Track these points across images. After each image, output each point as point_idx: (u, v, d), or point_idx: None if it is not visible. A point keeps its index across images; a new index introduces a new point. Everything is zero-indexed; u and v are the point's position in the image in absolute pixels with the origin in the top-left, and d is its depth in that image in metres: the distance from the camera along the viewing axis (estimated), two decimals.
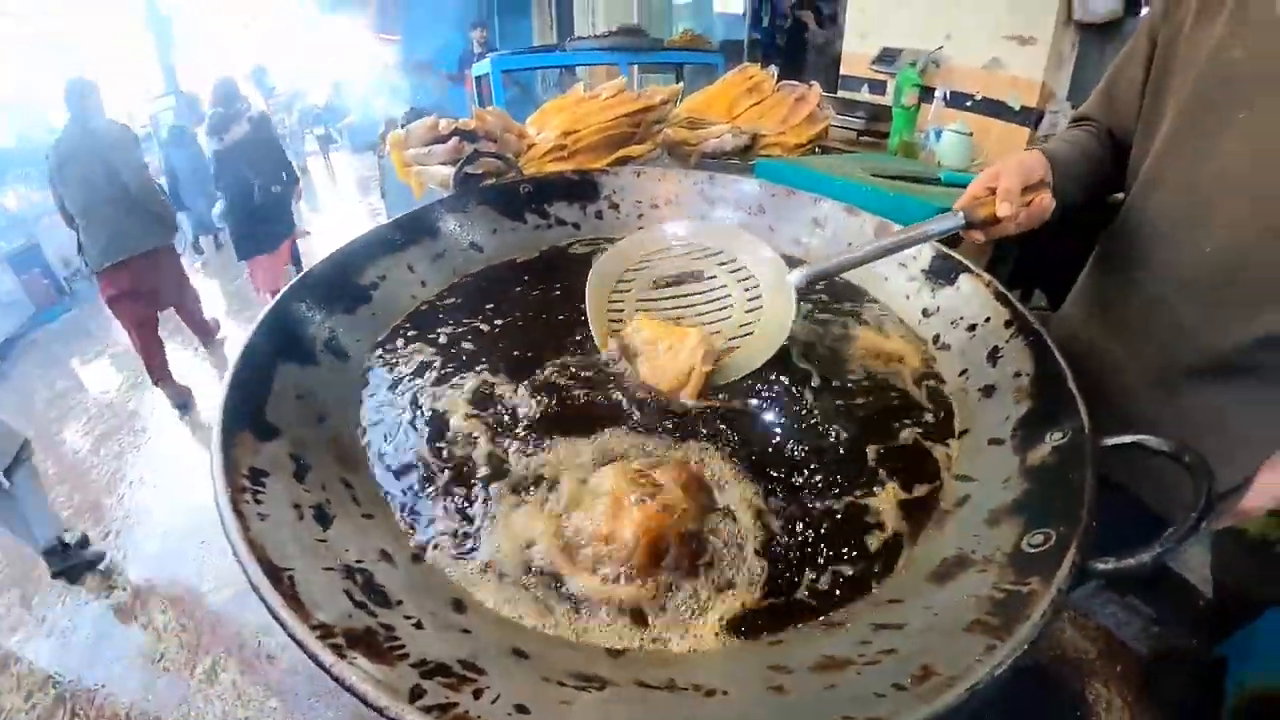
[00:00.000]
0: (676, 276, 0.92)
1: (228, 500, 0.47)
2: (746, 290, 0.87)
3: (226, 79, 4.07)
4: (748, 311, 0.84)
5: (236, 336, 4.54)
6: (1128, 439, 0.55)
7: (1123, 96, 0.95)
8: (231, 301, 5.44)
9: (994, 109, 2.60)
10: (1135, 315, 0.91)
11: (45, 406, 4.17)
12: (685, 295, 0.89)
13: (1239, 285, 0.79)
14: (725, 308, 0.86)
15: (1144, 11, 2.26)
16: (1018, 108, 2.54)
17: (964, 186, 1.28)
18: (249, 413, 0.58)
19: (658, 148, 1.53)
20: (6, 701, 2.08)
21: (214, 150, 3.98)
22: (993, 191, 0.79)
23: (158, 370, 3.63)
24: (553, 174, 1.21)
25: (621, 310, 0.87)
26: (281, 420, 0.60)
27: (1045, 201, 0.79)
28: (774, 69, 1.99)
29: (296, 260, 4.64)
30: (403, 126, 4.60)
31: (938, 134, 2.02)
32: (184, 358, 4.21)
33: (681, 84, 1.80)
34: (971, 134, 1.95)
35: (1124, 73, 0.94)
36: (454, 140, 1.40)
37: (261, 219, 4.09)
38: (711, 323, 0.84)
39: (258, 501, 0.49)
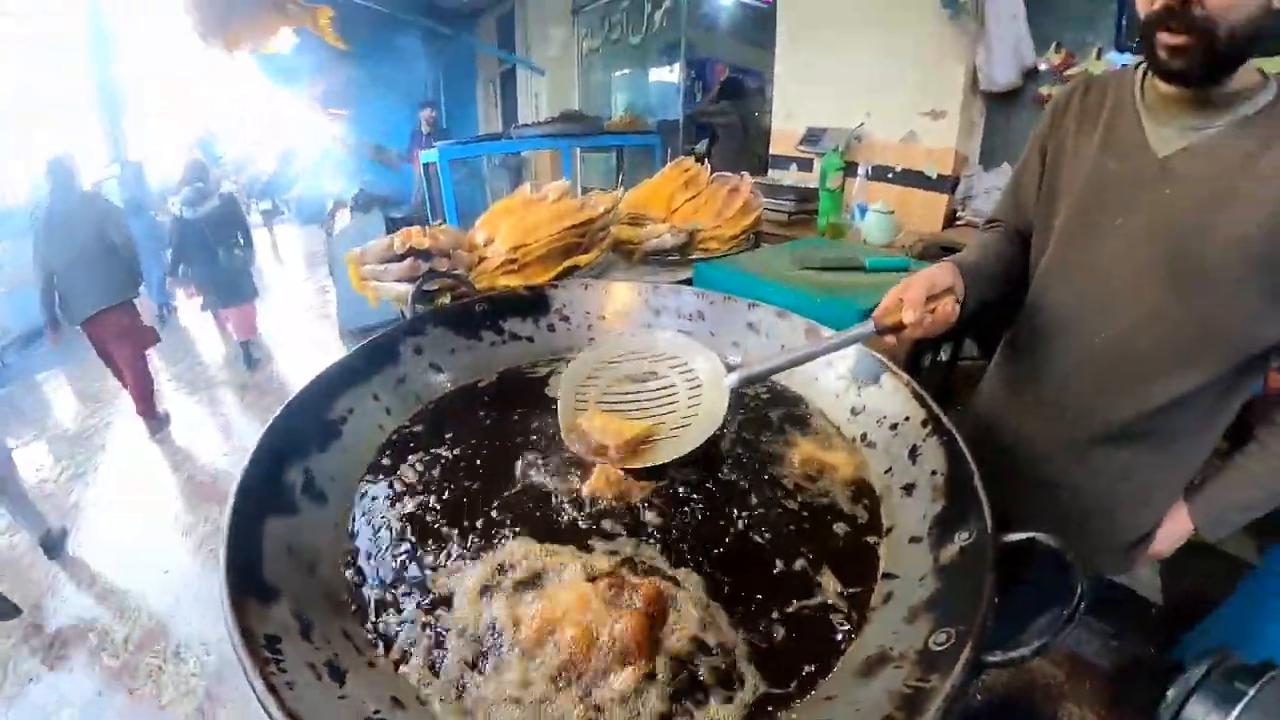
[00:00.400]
0: (633, 377, 1.00)
1: (259, 676, 0.49)
2: (690, 389, 0.95)
3: (198, 160, 4.80)
4: (690, 406, 0.93)
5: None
6: (1025, 535, 0.63)
7: (1024, 200, 1.10)
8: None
9: (913, 179, 2.81)
10: (1044, 393, 1.04)
11: None
12: (639, 392, 0.97)
13: (1126, 367, 0.94)
14: (672, 401, 0.95)
15: (1041, 76, 2.54)
16: (935, 176, 2.74)
17: (887, 270, 1.43)
18: (249, 578, 0.60)
19: (604, 254, 1.62)
20: None
21: (186, 219, 4.68)
22: (902, 301, 0.88)
23: (147, 403, 4.10)
24: (505, 291, 1.28)
25: (585, 408, 0.94)
26: (279, 579, 0.62)
27: (947, 309, 0.90)
28: (708, 163, 2.13)
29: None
30: (353, 209, 4.64)
31: (862, 211, 2.19)
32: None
33: (621, 189, 1.90)
34: (893, 212, 2.11)
35: (1022, 179, 1.10)
36: (410, 260, 1.46)
37: (226, 279, 4.90)
38: (659, 415, 0.93)
39: (281, 670, 0.51)
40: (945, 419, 0.79)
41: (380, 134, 7.79)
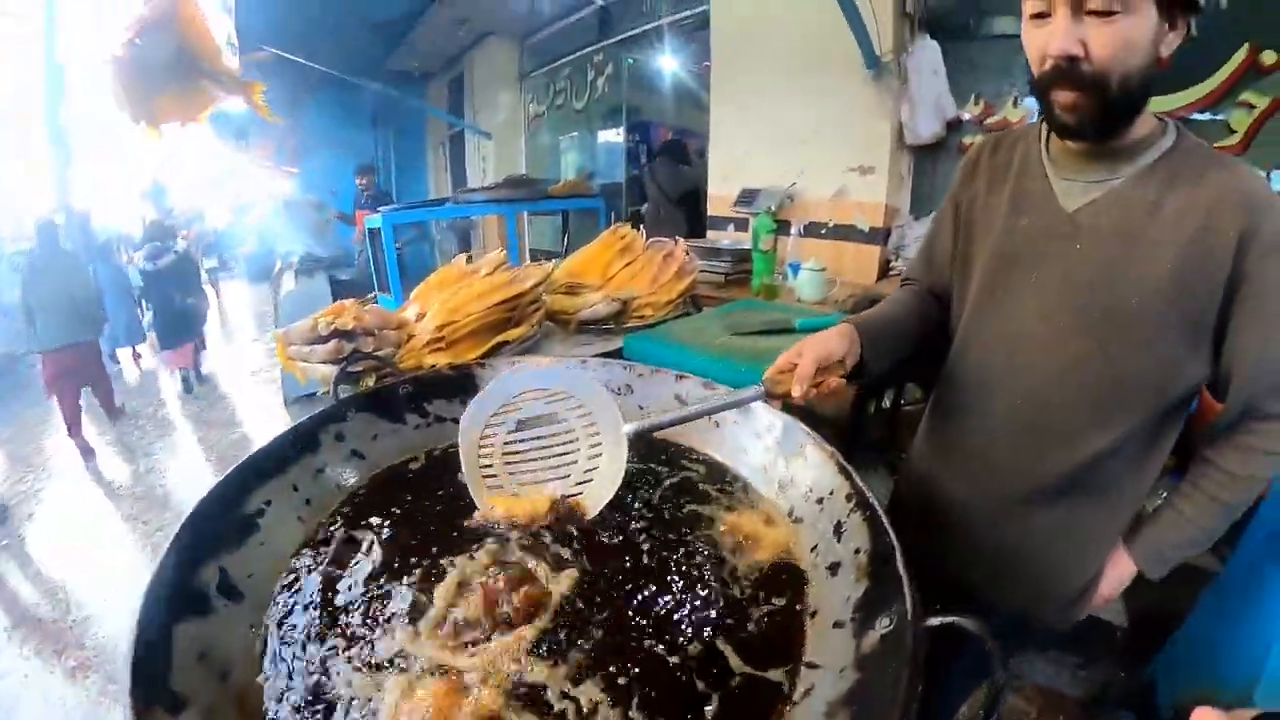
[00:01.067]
0: (536, 418, 0.98)
1: None
2: (590, 438, 0.96)
3: (158, 221, 6.05)
4: (590, 459, 0.94)
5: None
6: (948, 619, 0.60)
7: (938, 260, 1.13)
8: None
9: (846, 234, 2.91)
10: (972, 455, 1.06)
11: None
12: (541, 439, 0.97)
13: (1051, 424, 0.96)
14: (573, 454, 0.95)
15: (964, 127, 2.67)
16: (867, 229, 2.84)
17: (817, 329, 1.44)
18: (157, 688, 0.57)
19: (533, 329, 1.60)
20: None
21: (146, 270, 6.03)
22: (794, 368, 0.91)
23: (76, 427, 4.91)
24: (430, 372, 1.24)
25: (490, 465, 0.94)
26: (188, 687, 0.59)
27: (833, 384, 0.93)
28: (642, 229, 2.16)
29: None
30: (298, 271, 4.61)
31: (795, 270, 2.23)
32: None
33: (554, 263, 1.91)
34: (825, 269, 2.16)
35: (937, 238, 1.13)
36: (334, 341, 1.42)
37: (177, 322, 6.11)
38: (563, 468, 0.93)
39: None
40: (869, 493, 0.77)
41: (327, 194, 7.77)
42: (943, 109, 2.62)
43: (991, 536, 1.05)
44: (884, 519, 0.72)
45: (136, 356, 7.23)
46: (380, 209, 3.83)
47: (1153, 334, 0.86)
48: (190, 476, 4.43)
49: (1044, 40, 0.81)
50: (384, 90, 7.25)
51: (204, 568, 0.73)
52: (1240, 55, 2.04)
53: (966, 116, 2.66)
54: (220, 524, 0.80)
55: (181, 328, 6.10)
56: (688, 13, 4.50)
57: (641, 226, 2.22)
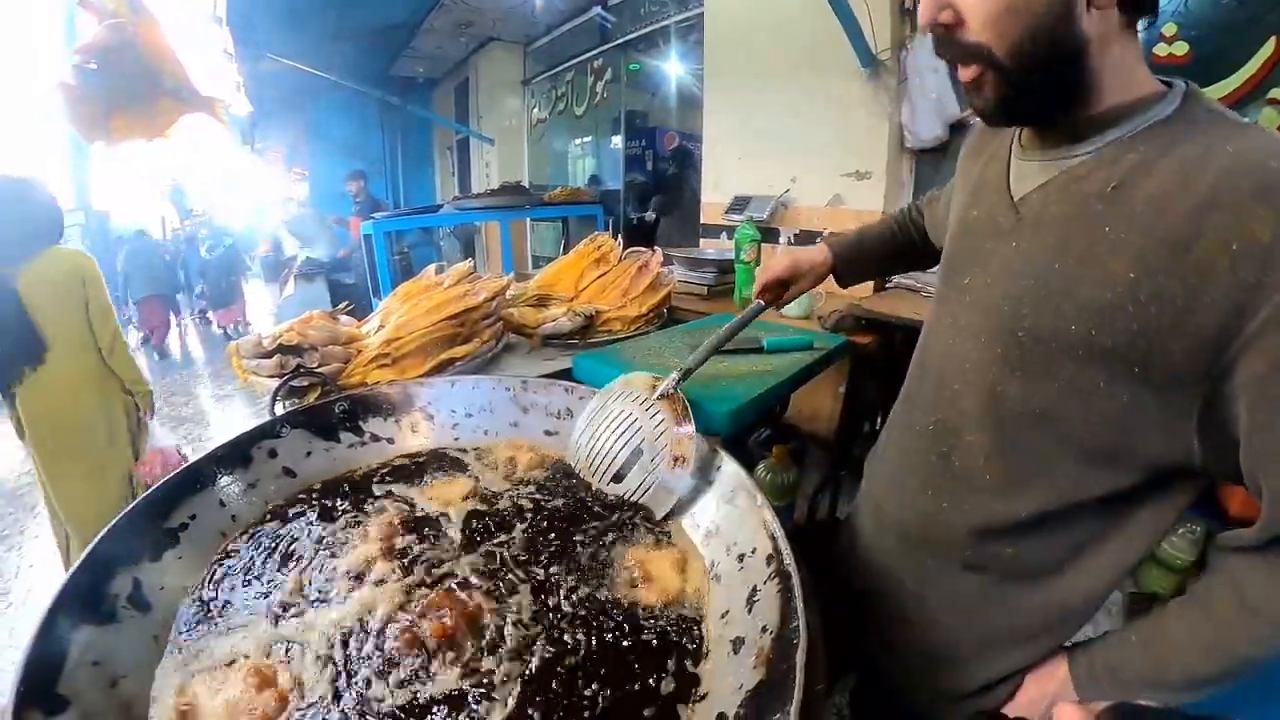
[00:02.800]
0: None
1: None
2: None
3: (206, 218, 8.02)
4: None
5: None
6: None
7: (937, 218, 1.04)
8: None
9: None
10: (879, 497, 0.91)
11: None
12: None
13: (958, 470, 0.76)
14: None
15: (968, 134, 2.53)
16: None
17: (786, 351, 1.35)
18: (41, 688, 0.57)
19: (487, 345, 1.53)
20: None
21: (206, 259, 9.24)
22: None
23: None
24: (367, 390, 1.18)
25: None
26: (74, 692, 0.59)
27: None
28: (620, 240, 2.08)
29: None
30: (298, 275, 4.68)
31: None
32: None
33: (510, 275, 1.84)
34: None
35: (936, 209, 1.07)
36: (276, 357, 1.37)
37: (228, 292, 9.02)
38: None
39: None
40: (788, 560, 0.66)
41: (335, 200, 7.84)
42: (944, 109, 2.47)
43: (899, 591, 0.85)
44: (797, 596, 0.61)
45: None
46: (374, 215, 3.81)
47: (1097, 379, 0.62)
48: None
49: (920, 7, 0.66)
50: (385, 97, 7.28)
51: (117, 577, 0.73)
52: (1268, 49, 1.85)
53: (972, 119, 2.52)
54: (142, 535, 0.80)
55: (230, 295, 8.99)
56: (683, 15, 4.44)
57: (620, 236, 2.14)
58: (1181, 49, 1.96)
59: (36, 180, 2.46)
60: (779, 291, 1.21)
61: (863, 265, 1.24)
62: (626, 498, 0.91)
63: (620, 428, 0.96)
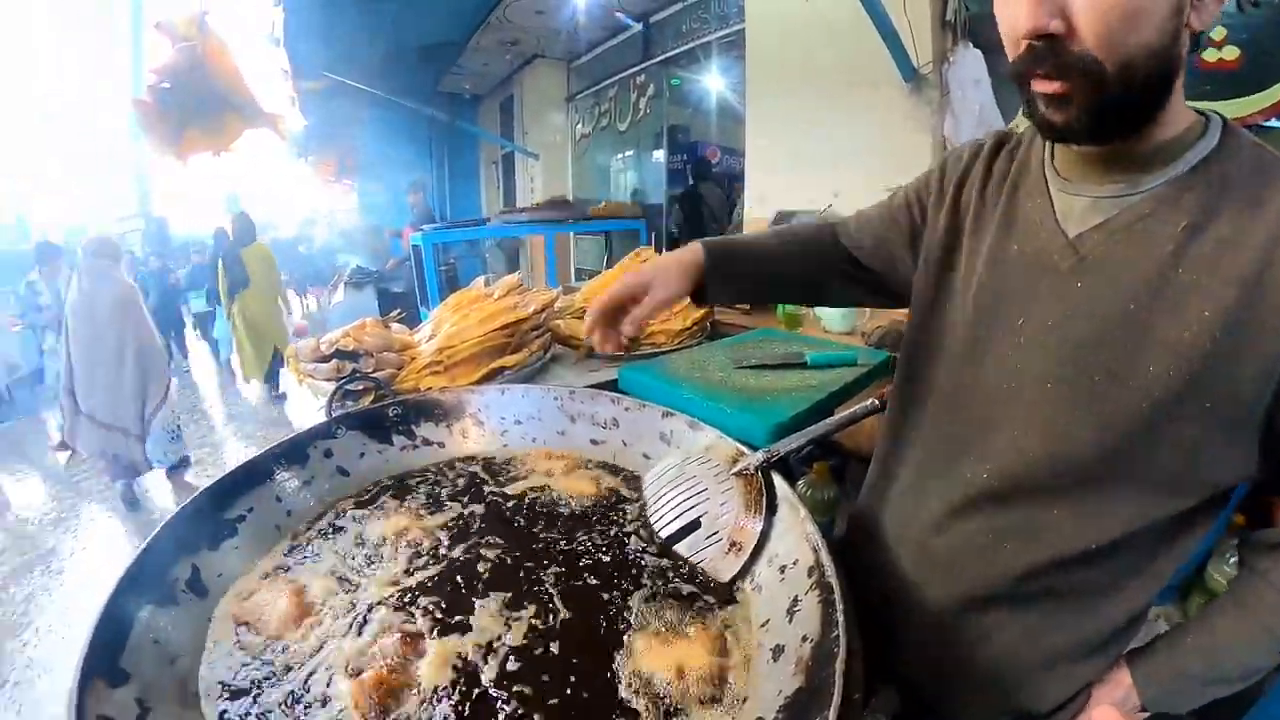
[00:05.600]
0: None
1: None
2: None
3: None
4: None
5: None
6: None
7: (882, 254, 0.97)
8: None
9: None
10: (925, 528, 0.84)
11: None
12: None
13: (1020, 510, 0.74)
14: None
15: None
16: None
17: (830, 367, 1.36)
18: (105, 661, 0.61)
19: (536, 355, 1.57)
20: None
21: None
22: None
23: None
24: (420, 396, 1.23)
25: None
26: (134, 665, 0.63)
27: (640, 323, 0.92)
28: (664, 253, 2.10)
29: None
30: (347, 284, 4.93)
31: None
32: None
33: (559, 289, 1.88)
34: None
35: (887, 239, 0.96)
36: (334, 361, 1.43)
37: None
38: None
39: None
40: (830, 572, 0.68)
41: (383, 210, 8.10)
42: (987, 122, 2.44)
43: (939, 634, 0.83)
44: (839, 609, 0.62)
45: None
46: (424, 227, 3.93)
47: (1172, 415, 0.62)
48: None
49: (1014, 11, 0.61)
50: (433, 113, 7.48)
51: (178, 563, 0.78)
52: None
53: (1017, 130, 2.46)
54: (203, 524, 0.85)
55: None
56: (725, 31, 4.49)
57: (664, 249, 2.17)
58: (1232, 54, 1.89)
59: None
60: (613, 316, 0.94)
61: (742, 279, 1.00)
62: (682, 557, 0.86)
63: (688, 493, 0.92)
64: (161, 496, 4.36)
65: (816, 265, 1.01)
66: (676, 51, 5.29)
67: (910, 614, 0.85)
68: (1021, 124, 2.28)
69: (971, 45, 2.48)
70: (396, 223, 6.84)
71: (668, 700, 0.64)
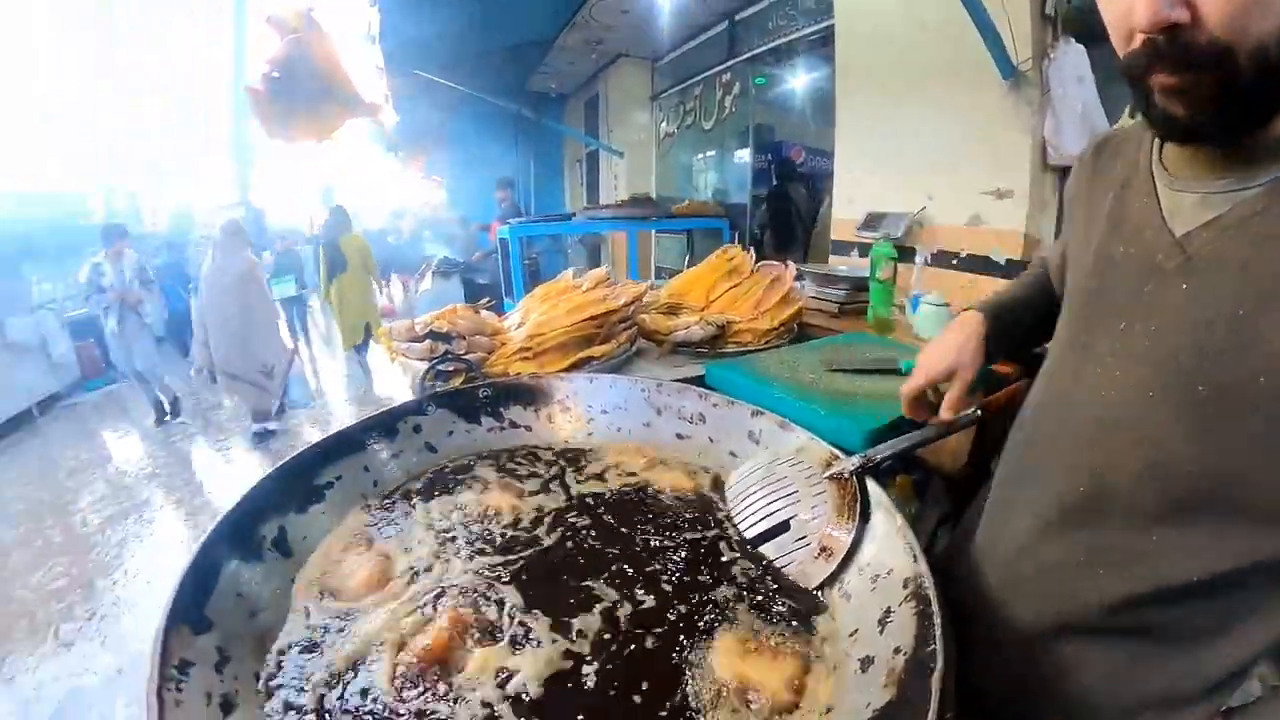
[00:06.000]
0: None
1: (155, 690, 0.53)
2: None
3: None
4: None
5: None
6: None
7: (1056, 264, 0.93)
8: None
9: (979, 265, 2.65)
10: (1012, 544, 0.81)
11: (66, 475, 4.66)
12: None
13: (1110, 533, 0.69)
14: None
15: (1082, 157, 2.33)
16: (1003, 262, 2.57)
17: None
18: (190, 609, 0.63)
19: (622, 347, 1.59)
20: None
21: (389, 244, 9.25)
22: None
23: None
24: (510, 379, 1.26)
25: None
26: (217, 615, 0.66)
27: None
28: (752, 251, 2.09)
29: None
30: (435, 273, 5.22)
31: (916, 303, 2.06)
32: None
33: (649, 283, 1.89)
34: (948, 304, 1.98)
35: (1059, 266, 0.90)
36: (428, 341, 1.49)
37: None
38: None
39: (178, 689, 0.55)
40: (928, 583, 0.65)
41: (469, 205, 8.39)
42: (1091, 122, 2.27)
43: (1022, 659, 0.77)
44: (937, 620, 0.60)
45: None
46: (511, 221, 4.04)
47: None
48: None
49: (1125, 5, 0.55)
50: (521, 111, 7.65)
51: (267, 522, 0.81)
52: None
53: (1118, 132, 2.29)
54: (293, 487, 0.88)
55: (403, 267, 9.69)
56: (814, 28, 4.39)
57: (751, 249, 2.15)
58: None
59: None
60: (933, 401, 0.95)
61: (1014, 335, 0.98)
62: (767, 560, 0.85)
63: (777, 494, 0.90)
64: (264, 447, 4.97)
65: (1047, 306, 0.94)
66: (763, 49, 5.22)
67: (992, 631, 0.80)
68: (1126, 123, 2.13)
69: (1073, 40, 2.33)
70: (482, 217, 7.06)
71: (750, 707, 0.63)
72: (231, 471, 4.55)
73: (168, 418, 5.60)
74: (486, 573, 0.80)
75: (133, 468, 4.72)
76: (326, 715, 0.61)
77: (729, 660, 0.67)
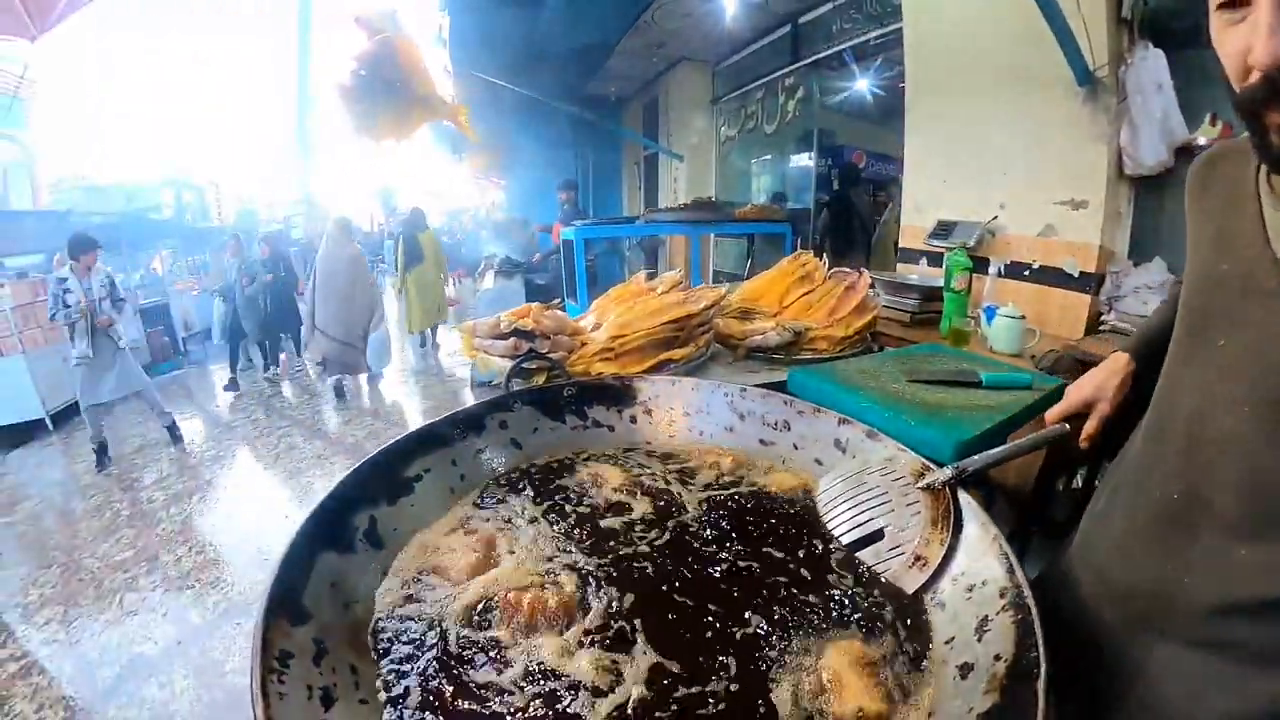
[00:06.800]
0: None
1: (259, 681, 0.55)
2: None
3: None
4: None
5: None
6: None
7: None
8: None
9: (1052, 277, 2.60)
10: (1113, 544, 0.82)
11: (134, 452, 5.01)
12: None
13: (1204, 542, 0.69)
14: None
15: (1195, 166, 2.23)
16: (1076, 274, 2.51)
17: (1005, 389, 1.32)
18: (288, 599, 0.66)
19: (700, 350, 1.63)
20: (18, 707, 2.30)
21: (446, 243, 8.97)
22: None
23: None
24: (594, 379, 1.31)
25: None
26: (314, 605, 0.68)
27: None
28: (825, 259, 2.10)
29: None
30: (497, 272, 5.42)
31: (990, 314, 2.04)
32: None
33: (726, 288, 1.92)
34: (1023, 317, 1.96)
35: None
36: (513, 339, 1.55)
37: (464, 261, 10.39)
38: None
39: (280, 682, 0.57)
40: (1027, 592, 0.67)
41: (527, 206, 8.57)
42: (1170, 131, 2.20)
43: (1105, 663, 0.79)
44: (1037, 627, 0.63)
45: None
46: (575, 223, 4.12)
47: None
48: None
49: (1243, 42, 0.56)
50: (581, 114, 7.75)
51: (358, 514, 0.84)
52: None
53: (1201, 140, 2.17)
54: (383, 479, 0.92)
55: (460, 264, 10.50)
56: (879, 32, 4.35)
57: (824, 255, 2.16)
58: None
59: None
60: (1078, 421, 1.02)
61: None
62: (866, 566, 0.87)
63: (870, 503, 0.92)
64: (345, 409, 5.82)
65: None
66: (827, 53, 5.18)
67: (1078, 633, 0.82)
68: (1207, 132, 2.03)
69: (1151, 44, 2.25)
70: (542, 218, 7.21)
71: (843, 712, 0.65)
72: (287, 462, 4.78)
73: (109, 461, 4.78)
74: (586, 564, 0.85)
75: (197, 449, 5.04)
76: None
77: (828, 660, 0.70)
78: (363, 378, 6.51)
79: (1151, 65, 2.23)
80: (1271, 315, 0.64)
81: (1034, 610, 0.66)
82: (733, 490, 1.04)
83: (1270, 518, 0.64)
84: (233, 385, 6.64)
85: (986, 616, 0.70)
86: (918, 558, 0.83)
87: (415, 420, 5.53)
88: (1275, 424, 0.63)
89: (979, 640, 0.69)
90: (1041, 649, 0.61)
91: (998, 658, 0.65)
